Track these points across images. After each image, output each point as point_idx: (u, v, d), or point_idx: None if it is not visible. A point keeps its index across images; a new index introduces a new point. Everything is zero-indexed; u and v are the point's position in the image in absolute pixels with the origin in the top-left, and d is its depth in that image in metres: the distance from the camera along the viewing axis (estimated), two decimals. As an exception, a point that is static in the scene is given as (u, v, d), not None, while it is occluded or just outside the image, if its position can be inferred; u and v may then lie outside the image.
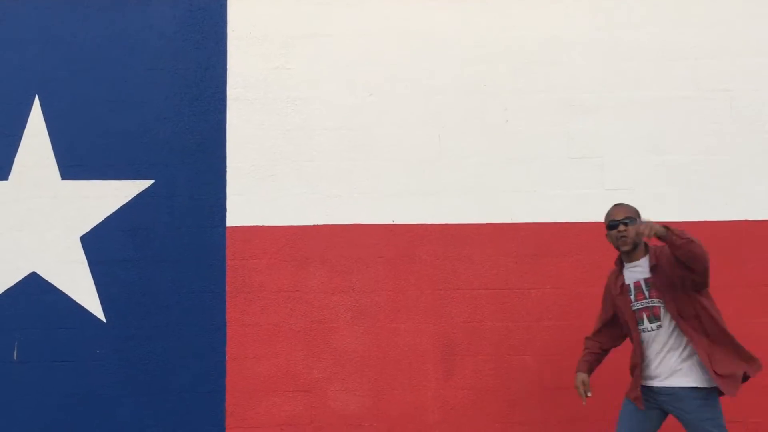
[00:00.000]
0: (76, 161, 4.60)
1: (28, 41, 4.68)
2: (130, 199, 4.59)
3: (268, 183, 4.69)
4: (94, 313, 4.52)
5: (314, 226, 4.63)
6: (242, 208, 4.67)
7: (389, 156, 4.69)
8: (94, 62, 4.69)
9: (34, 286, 4.54)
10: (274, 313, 4.58)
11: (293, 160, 4.68)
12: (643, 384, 3.53)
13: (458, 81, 4.76)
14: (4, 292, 4.54)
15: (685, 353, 3.43)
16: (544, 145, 4.70)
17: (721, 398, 3.42)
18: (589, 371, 3.71)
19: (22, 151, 4.60)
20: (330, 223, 4.63)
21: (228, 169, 4.67)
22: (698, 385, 3.39)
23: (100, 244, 4.56)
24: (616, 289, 3.63)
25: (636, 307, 3.56)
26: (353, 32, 4.78)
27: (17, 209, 4.58)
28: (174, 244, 4.59)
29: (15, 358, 4.50)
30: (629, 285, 3.58)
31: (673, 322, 3.44)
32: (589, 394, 3.64)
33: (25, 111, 4.62)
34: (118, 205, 4.60)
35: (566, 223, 4.61)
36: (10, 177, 4.58)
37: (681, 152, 4.71)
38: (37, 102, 4.62)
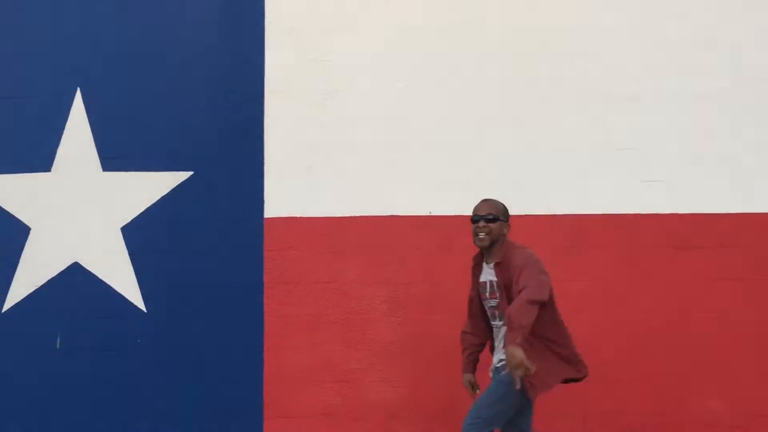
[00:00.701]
0: (116, 153, 4.66)
1: (70, 36, 4.74)
2: (169, 190, 4.64)
3: (306, 174, 4.70)
4: (135, 303, 4.58)
5: (351, 217, 4.65)
6: (280, 200, 4.68)
7: (426, 148, 4.69)
8: (134, 55, 4.73)
9: (75, 276, 4.61)
10: (312, 304, 4.60)
11: (330, 151, 4.70)
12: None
13: (496, 72, 4.74)
14: (46, 283, 4.62)
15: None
16: (581, 137, 4.67)
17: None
18: (474, 370, 3.82)
19: (65, 143, 4.67)
20: (367, 214, 4.65)
21: (266, 161, 4.70)
22: None
23: (141, 235, 4.61)
24: (476, 282, 3.75)
25: (489, 305, 3.69)
26: (391, 23, 4.77)
27: (60, 200, 4.65)
28: (212, 235, 4.63)
29: (58, 347, 4.58)
30: (485, 282, 3.67)
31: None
32: (478, 391, 3.74)
33: (67, 104, 4.69)
34: (158, 197, 4.65)
35: (603, 214, 4.58)
36: (52, 169, 4.65)
37: (720, 144, 4.66)
38: (78, 95, 4.68)
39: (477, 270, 3.76)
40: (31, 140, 4.70)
